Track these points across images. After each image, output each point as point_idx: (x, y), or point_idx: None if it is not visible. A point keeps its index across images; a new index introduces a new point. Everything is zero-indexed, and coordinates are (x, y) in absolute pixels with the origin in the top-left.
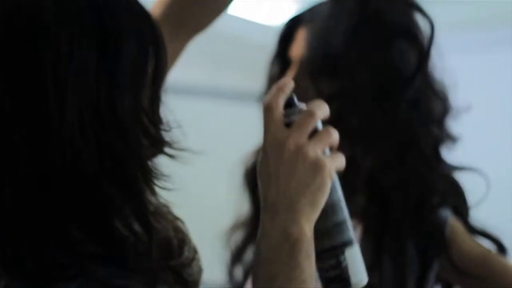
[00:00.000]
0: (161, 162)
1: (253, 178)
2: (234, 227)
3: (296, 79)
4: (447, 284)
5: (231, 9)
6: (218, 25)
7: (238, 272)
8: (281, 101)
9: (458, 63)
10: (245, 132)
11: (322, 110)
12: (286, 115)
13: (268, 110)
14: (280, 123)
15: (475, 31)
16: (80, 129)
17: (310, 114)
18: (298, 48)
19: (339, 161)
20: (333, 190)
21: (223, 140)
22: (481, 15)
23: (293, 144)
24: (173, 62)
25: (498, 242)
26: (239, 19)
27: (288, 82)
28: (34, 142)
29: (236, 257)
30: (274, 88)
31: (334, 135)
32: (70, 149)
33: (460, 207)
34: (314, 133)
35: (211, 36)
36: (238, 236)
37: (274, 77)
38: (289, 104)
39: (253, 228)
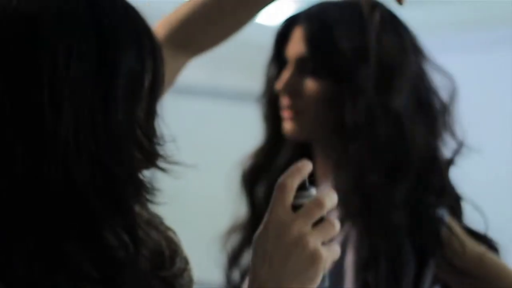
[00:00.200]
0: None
1: (250, 180)
2: (231, 230)
3: (292, 78)
4: (445, 285)
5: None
6: None
7: (235, 275)
8: (296, 184)
9: (458, 63)
10: (244, 132)
11: (331, 200)
12: (295, 197)
13: (280, 190)
14: (289, 206)
15: (475, 31)
16: (74, 139)
17: (319, 204)
18: (295, 47)
19: (335, 254)
20: (322, 280)
21: (222, 140)
22: (481, 15)
23: (296, 230)
24: (171, 81)
25: (492, 243)
26: None
27: (307, 165)
28: (30, 147)
29: (233, 260)
30: (293, 168)
31: (337, 228)
32: (62, 158)
33: (455, 208)
34: (319, 220)
35: None
36: (235, 239)
37: (272, 78)
38: (300, 185)
39: (250, 231)
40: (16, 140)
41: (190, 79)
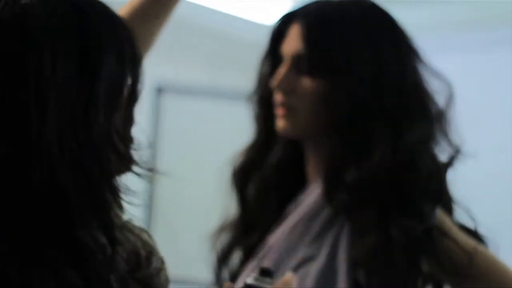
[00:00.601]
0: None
1: (241, 177)
2: (221, 228)
3: (288, 75)
4: (438, 283)
5: (231, 9)
6: (218, 24)
7: (225, 274)
8: None
9: (458, 63)
10: (243, 132)
11: None
12: (257, 279)
13: None
14: None
15: (475, 31)
16: (58, 139)
17: None
18: (291, 44)
19: None
20: None
21: (220, 140)
22: (481, 15)
23: None
24: None
25: (482, 240)
26: (239, 18)
27: None
28: (15, 146)
29: (223, 259)
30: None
31: None
32: (47, 158)
33: (447, 204)
34: None
35: (210, 36)
36: (225, 238)
37: (265, 75)
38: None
39: (240, 230)
40: (1, 140)
41: (189, 79)
